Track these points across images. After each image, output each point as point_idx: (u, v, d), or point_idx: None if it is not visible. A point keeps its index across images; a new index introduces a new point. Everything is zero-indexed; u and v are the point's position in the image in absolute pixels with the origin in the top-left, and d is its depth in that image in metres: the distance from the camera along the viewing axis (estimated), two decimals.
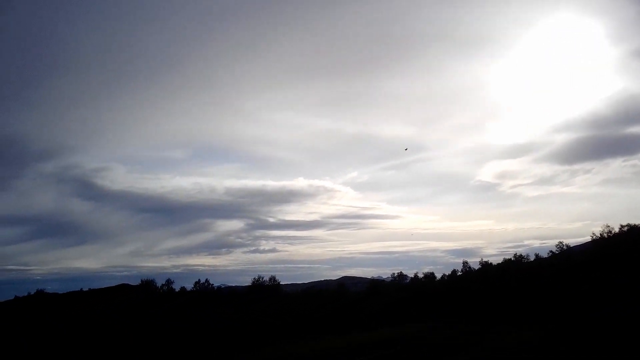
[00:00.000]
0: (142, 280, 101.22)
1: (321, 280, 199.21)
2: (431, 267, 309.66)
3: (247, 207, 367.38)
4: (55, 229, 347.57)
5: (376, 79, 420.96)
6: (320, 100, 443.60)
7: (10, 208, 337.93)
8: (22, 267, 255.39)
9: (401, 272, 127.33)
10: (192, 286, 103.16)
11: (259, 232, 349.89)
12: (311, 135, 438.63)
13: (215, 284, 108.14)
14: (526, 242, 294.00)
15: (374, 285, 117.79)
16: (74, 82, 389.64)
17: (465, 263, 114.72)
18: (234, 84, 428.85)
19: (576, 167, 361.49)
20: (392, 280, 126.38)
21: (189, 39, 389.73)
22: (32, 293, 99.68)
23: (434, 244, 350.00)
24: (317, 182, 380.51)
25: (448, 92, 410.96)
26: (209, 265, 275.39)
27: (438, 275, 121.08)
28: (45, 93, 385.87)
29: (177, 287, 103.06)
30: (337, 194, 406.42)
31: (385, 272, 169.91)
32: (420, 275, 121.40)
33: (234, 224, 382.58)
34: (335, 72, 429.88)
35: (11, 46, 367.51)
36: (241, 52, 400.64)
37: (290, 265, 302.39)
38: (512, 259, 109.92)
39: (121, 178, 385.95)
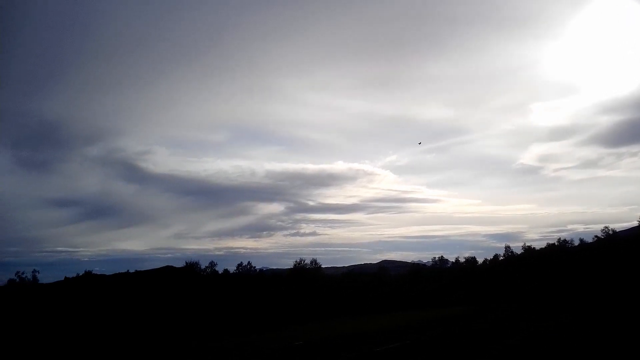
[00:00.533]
0: (186, 262, 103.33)
1: (361, 264, 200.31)
2: (472, 251, 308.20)
3: (287, 190, 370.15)
4: (102, 211, 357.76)
5: (416, 60, 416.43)
6: (360, 81, 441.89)
7: (58, 191, 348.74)
8: (70, 249, 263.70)
9: (442, 257, 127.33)
10: (235, 268, 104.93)
11: (299, 216, 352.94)
12: (350, 118, 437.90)
13: (257, 267, 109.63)
14: (570, 227, 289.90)
15: (415, 269, 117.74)
16: (118, 68, 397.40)
17: (507, 247, 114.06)
18: (274, 66, 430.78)
19: (622, 150, 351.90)
20: (432, 264, 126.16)
21: (228, 22, 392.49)
22: (81, 274, 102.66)
23: (474, 228, 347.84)
24: (356, 166, 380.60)
25: (490, 73, 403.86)
26: (251, 248, 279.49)
27: (480, 260, 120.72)
28: (90, 78, 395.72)
29: (220, 269, 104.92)
30: (377, 177, 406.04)
31: (425, 257, 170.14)
32: (462, 260, 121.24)
33: (275, 207, 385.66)
34: (374, 53, 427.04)
35: (58, 33, 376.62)
36: (280, 34, 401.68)
37: (330, 249, 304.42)
38: (556, 243, 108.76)
39: (164, 161, 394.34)
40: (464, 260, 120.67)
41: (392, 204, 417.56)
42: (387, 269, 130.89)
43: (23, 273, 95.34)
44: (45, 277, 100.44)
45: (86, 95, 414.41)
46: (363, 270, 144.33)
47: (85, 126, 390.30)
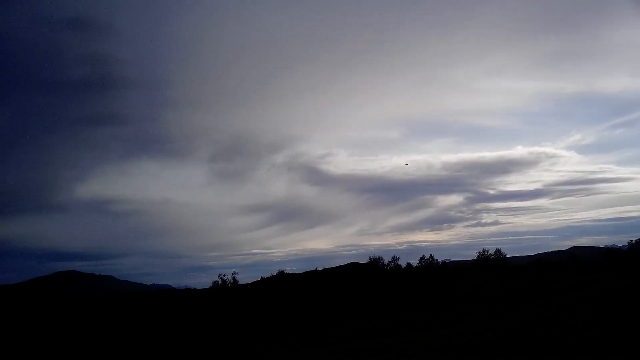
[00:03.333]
0: (369, 258, 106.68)
1: (549, 252, 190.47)
2: None
3: (466, 181, 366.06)
4: (290, 214, 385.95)
5: (597, 28, 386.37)
6: (534, 60, 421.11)
7: (251, 197, 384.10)
8: (264, 251, 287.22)
9: None
10: (417, 262, 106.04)
11: (479, 205, 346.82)
12: (527, 99, 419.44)
13: (440, 259, 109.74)
14: None
15: (608, 254, 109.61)
16: (296, 77, 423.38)
17: None
18: (444, 56, 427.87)
19: None
20: (629, 247, 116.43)
21: (392, 17, 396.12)
22: (274, 274, 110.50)
23: None
24: (536, 149, 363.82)
25: None
26: (431, 241, 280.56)
27: None
28: (272, 90, 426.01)
29: (402, 263, 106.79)
30: (560, 159, 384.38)
31: (620, 240, 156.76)
32: None
33: (454, 199, 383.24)
34: (548, 27, 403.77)
35: (237, 52, 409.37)
36: (447, 21, 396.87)
37: (514, 237, 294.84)
38: None
39: (343, 162, 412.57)
40: None
41: (579, 186, 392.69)
42: (577, 255, 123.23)
43: (224, 275, 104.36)
44: (244, 278, 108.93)
45: (270, 107, 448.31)
46: (551, 258, 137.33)
47: (271, 135, 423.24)
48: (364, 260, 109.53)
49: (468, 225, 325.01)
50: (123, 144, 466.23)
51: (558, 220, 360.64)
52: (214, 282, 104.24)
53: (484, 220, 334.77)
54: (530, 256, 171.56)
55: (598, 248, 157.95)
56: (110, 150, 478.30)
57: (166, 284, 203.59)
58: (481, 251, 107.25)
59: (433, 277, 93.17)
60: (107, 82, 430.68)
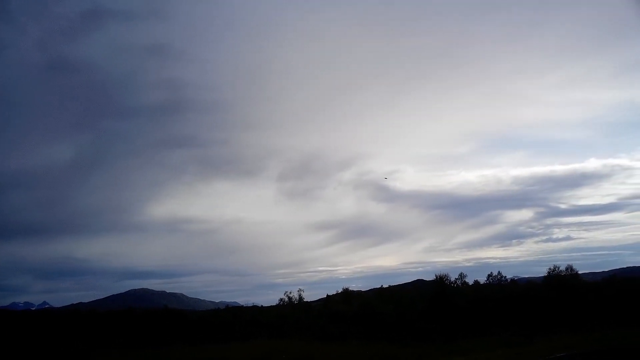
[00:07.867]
0: (435, 275, 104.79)
1: (623, 267, 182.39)
2: None
3: (536, 195, 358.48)
4: (357, 231, 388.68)
5: None
6: (611, 70, 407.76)
7: (319, 215, 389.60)
8: (330, 268, 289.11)
9: None
10: (485, 279, 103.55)
11: (550, 220, 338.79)
12: (601, 111, 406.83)
13: (508, 276, 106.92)
14: None
15: None
16: (361, 96, 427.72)
17: None
18: (511, 69, 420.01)
19: None
20: None
21: (459, 30, 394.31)
22: (339, 291, 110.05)
23: None
24: (611, 161, 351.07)
25: None
26: (500, 258, 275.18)
27: None
28: (339, 109, 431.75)
29: (470, 280, 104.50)
30: (637, 171, 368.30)
31: None
32: None
33: (524, 214, 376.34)
34: (625, 37, 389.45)
35: (304, 73, 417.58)
36: (516, 32, 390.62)
37: (587, 253, 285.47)
38: None
39: (410, 178, 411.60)
40: None
41: None
42: None
43: (290, 292, 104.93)
44: (310, 296, 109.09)
45: (337, 126, 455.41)
46: (627, 274, 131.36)
47: (338, 154, 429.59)
48: (430, 277, 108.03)
49: (538, 241, 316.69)
50: (196, 165, 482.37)
51: (635, 234, 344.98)
52: (280, 300, 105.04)
53: (555, 236, 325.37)
54: (603, 272, 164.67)
55: None
56: (184, 171, 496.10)
57: (234, 302, 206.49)
58: (551, 267, 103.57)
59: (501, 294, 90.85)
60: (182, 106, 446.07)
